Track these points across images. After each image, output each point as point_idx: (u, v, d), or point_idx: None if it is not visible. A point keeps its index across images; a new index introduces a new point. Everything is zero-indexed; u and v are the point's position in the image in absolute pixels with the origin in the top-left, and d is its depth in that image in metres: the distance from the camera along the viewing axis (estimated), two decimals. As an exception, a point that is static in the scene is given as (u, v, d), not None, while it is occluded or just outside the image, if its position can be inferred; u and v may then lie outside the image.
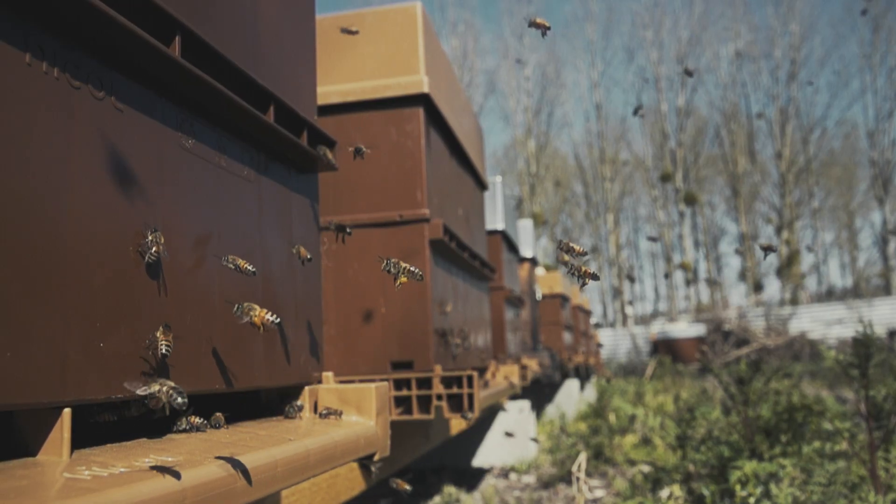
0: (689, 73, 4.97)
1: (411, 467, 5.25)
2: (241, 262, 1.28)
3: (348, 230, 2.19)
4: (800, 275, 33.82)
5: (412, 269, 1.67)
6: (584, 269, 1.57)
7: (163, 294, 1.15)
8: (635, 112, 6.09)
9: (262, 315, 1.10)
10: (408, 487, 1.76)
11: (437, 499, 4.21)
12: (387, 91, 2.93)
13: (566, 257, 1.60)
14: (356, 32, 2.08)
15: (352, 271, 2.89)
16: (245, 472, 1.06)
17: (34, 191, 0.90)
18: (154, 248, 1.09)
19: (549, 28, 1.97)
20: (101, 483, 0.82)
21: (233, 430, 1.32)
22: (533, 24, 1.96)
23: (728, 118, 37.06)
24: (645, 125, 38.26)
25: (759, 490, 2.79)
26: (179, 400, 0.96)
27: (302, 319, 1.68)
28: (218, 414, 1.35)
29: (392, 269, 1.66)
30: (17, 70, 0.89)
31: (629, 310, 36.26)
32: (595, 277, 1.58)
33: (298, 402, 1.62)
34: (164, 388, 0.96)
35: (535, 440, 5.18)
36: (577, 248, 1.61)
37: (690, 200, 35.83)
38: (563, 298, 9.10)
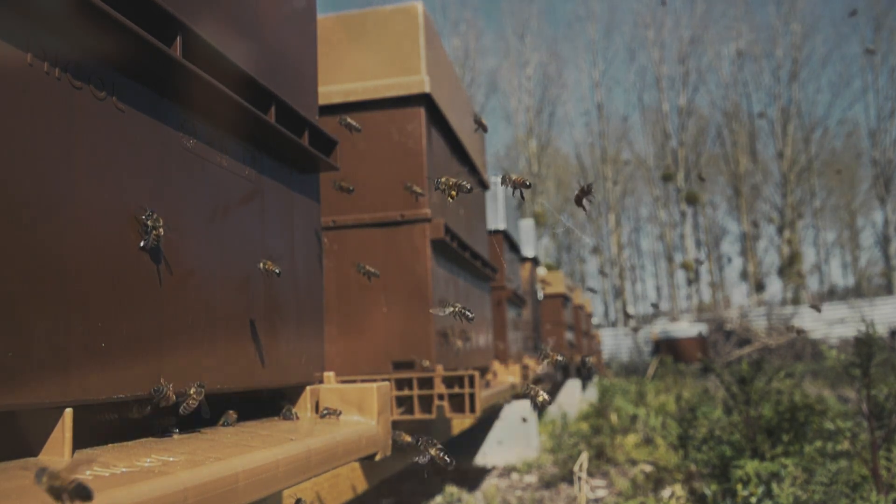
0: (853, 13, 4.99)
1: (412, 467, 5.24)
2: (269, 265, 1.42)
3: (376, 273, 2.29)
4: (804, 275, 33.84)
5: (460, 181, 1.68)
6: (516, 178, 1.62)
7: (164, 294, 1.15)
8: (851, 14, 6.14)
9: (64, 483, 0.72)
10: (408, 439, 1.78)
11: (438, 498, 4.21)
12: (388, 91, 2.93)
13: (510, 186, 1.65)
14: (359, 130, 2.14)
15: (353, 271, 2.89)
16: (247, 472, 1.06)
17: (36, 191, 0.90)
18: (154, 233, 1.08)
19: (486, 130, 2.28)
20: (103, 483, 0.82)
21: (235, 430, 1.32)
22: (477, 122, 2.25)
23: (730, 118, 37.02)
24: (646, 125, 38.25)
25: (760, 489, 2.79)
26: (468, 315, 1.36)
27: (303, 319, 1.68)
28: (231, 412, 1.35)
29: (442, 188, 1.66)
30: (19, 70, 0.89)
31: (631, 309, 36.23)
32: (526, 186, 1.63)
33: (295, 405, 1.63)
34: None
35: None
36: (517, 177, 1.64)
37: (692, 200, 35.79)
38: (565, 298, 9.10)
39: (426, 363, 2.75)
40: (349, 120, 2.02)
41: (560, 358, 1.68)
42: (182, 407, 1.12)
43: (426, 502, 4.17)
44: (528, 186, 1.62)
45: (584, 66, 39.79)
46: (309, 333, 1.70)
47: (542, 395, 1.58)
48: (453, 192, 1.61)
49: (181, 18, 1.16)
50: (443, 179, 1.60)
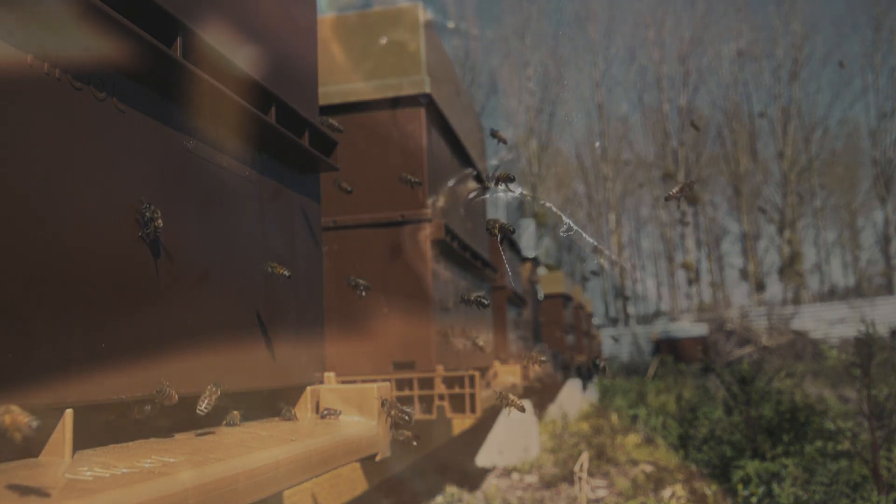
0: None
1: (413, 467, 5.24)
2: (278, 267, 1.41)
3: (367, 286, 2.30)
4: (804, 275, 33.84)
5: (506, 225, 1.72)
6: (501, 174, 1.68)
7: (165, 295, 1.15)
8: None
9: (16, 417, 0.77)
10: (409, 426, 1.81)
11: (439, 499, 4.21)
12: (388, 91, 2.93)
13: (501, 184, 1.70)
14: (341, 131, 2.13)
15: (353, 271, 2.89)
16: (247, 473, 1.06)
17: (36, 191, 0.90)
18: (153, 225, 1.07)
19: (505, 143, 2.29)
20: (103, 484, 0.82)
21: (235, 430, 1.32)
22: (494, 135, 2.26)
23: (730, 117, 37.00)
24: (646, 125, 38.22)
25: (761, 489, 2.79)
26: None
27: (304, 319, 1.68)
28: (235, 412, 1.35)
29: (491, 227, 1.70)
30: (19, 70, 0.89)
31: (631, 309, 36.20)
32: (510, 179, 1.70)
33: (295, 405, 1.63)
34: None
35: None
36: (500, 173, 1.70)
37: (692, 200, 35.77)
38: (566, 298, 9.09)
39: (480, 342, 2.80)
40: (331, 121, 2.02)
41: (544, 359, 1.84)
42: (199, 407, 1.13)
43: (427, 502, 4.17)
44: (513, 179, 1.67)
45: (585, 66, 39.76)
46: (309, 334, 1.70)
47: (516, 404, 1.67)
48: (496, 232, 1.67)
49: (181, 19, 1.16)
50: (492, 221, 1.66)
